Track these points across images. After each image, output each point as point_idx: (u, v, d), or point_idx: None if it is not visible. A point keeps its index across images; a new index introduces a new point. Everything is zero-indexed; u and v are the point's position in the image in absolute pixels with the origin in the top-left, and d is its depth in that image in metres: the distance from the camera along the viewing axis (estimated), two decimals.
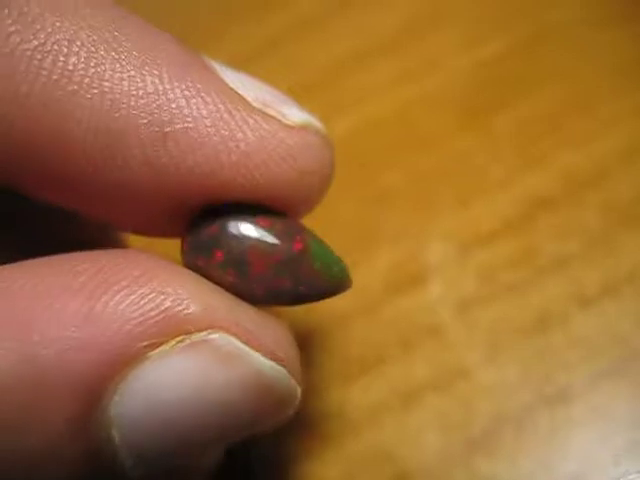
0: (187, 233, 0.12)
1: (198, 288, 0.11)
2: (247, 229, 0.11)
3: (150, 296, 0.10)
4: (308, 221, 0.20)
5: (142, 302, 0.10)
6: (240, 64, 0.23)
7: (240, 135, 0.11)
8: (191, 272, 0.11)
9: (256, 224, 0.12)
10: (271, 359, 0.11)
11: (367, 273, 0.19)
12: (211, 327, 0.11)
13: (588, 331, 0.17)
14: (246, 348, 0.11)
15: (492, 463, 0.16)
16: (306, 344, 0.18)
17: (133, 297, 0.10)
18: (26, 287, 0.10)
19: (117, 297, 0.10)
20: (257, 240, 0.11)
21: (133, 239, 0.16)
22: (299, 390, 0.12)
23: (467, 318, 0.18)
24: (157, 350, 0.10)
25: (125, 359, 0.10)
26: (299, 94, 0.22)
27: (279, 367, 0.11)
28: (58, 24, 0.11)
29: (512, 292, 0.18)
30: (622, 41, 0.21)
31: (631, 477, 0.15)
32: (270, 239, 0.11)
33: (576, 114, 0.20)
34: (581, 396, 0.16)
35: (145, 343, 0.10)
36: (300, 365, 0.12)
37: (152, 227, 0.13)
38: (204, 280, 0.11)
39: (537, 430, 0.16)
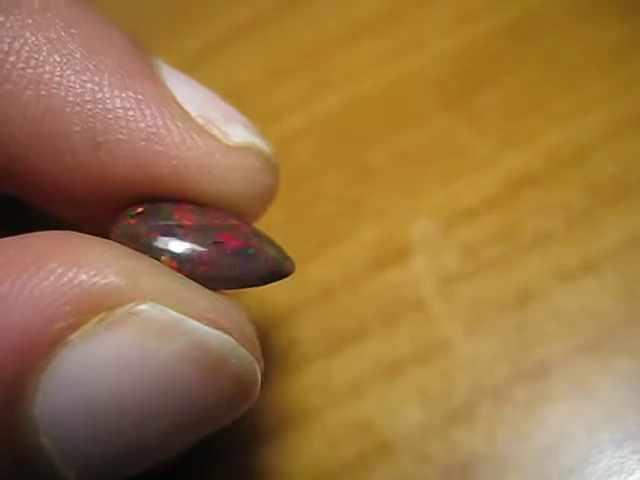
0: (115, 220, 0.11)
1: (119, 255, 0.10)
2: (175, 244, 0.11)
3: (59, 270, 0.09)
4: (292, 196, 0.20)
5: (52, 277, 0.09)
6: (226, 43, 0.23)
7: (175, 152, 0.11)
8: (110, 241, 0.10)
9: (184, 237, 0.11)
10: (214, 327, 0.10)
11: (351, 247, 0.19)
12: (138, 297, 0.09)
13: (567, 306, 0.17)
14: (181, 315, 0.10)
15: (469, 434, 0.16)
16: (289, 317, 0.18)
17: (41, 273, 0.09)
18: None
19: (23, 276, 0.09)
20: (184, 251, 0.11)
21: None
22: (258, 367, 0.11)
23: (449, 293, 0.18)
24: (77, 332, 0.09)
25: (41, 345, 0.09)
26: (285, 72, 0.22)
27: (225, 336, 0.10)
28: (1, 19, 0.10)
29: (494, 268, 0.18)
30: (606, 23, 0.21)
31: (604, 447, 0.16)
32: (198, 250, 0.11)
33: (560, 93, 0.20)
34: (558, 370, 0.17)
35: (61, 325, 0.09)
36: (256, 340, 0.11)
37: (92, 218, 0.12)
38: (127, 249, 0.10)
39: (514, 403, 0.16)
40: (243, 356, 0.10)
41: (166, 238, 0.11)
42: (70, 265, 0.09)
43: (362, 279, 0.19)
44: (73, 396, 0.09)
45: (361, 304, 0.18)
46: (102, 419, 0.09)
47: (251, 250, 0.11)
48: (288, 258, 0.12)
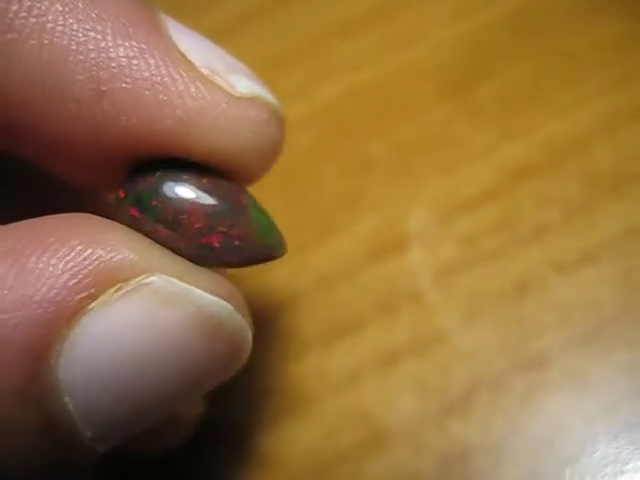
0: (122, 184, 0.12)
1: (129, 236, 0.11)
2: (183, 188, 0.11)
3: (80, 247, 0.10)
4: (291, 187, 0.20)
5: (73, 254, 0.10)
6: (227, 32, 0.23)
7: (179, 101, 0.11)
8: (120, 224, 0.11)
9: (192, 182, 0.11)
10: (214, 296, 0.11)
11: (349, 238, 0.19)
12: (148, 270, 0.10)
13: (565, 297, 0.17)
14: (186, 285, 0.11)
15: (465, 425, 0.16)
16: (287, 307, 0.18)
17: (63, 250, 0.10)
18: None
19: (47, 253, 0.10)
20: (193, 199, 0.11)
21: None
22: (250, 331, 0.12)
23: (446, 284, 0.18)
24: (96, 302, 0.10)
25: (64, 314, 0.10)
26: (285, 62, 0.22)
27: (224, 302, 0.11)
28: None
29: (492, 259, 0.18)
30: (606, 15, 0.21)
31: (600, 438, 0.16)
32: (206, 198, 0.11)
33: (559, 85, 0.20)
34: (556, 361, 0.17)
35: (82, 295, 0.10)
36: (247, 307, 0.12)
37: (94, 180, 0.13)
38: (134, 231, 0.11)
39: (512, 394, 0.16)
40: (238, 321, 0.11)
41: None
42: (89, 243, 0.10)
43: (360, 269, 0.19)
44: (93, 359, 0.10)
45: (359, 294, 0.18)
46: (117, 380, 0.10)
47: (236, 242, 0.11)
48: (277, 243, 0.12)
